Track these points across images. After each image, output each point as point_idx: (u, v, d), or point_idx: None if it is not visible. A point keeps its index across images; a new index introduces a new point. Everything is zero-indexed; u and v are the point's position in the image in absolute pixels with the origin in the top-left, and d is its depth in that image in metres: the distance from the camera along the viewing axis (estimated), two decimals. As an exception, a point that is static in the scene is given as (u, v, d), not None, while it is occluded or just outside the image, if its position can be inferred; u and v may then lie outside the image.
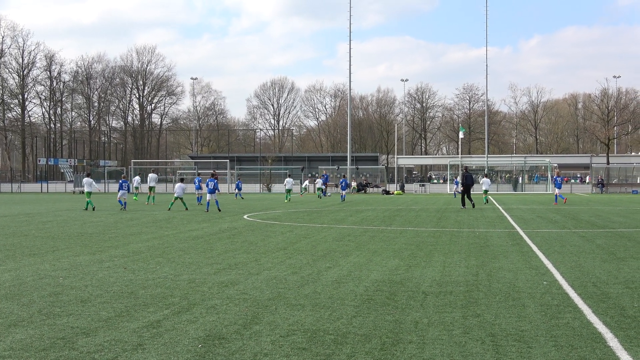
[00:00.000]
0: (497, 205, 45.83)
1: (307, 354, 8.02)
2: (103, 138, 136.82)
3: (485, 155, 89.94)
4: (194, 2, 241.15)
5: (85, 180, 41.24)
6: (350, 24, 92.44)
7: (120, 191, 40.27)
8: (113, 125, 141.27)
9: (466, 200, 41.38)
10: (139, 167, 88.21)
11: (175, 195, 39.15)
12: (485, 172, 76.65)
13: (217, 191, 38.13)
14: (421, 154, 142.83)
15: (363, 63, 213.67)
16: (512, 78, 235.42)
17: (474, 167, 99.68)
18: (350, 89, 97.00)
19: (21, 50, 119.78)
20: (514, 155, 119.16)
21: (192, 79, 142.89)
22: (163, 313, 10.21)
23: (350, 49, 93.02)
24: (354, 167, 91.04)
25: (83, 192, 74.54)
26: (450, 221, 30.23)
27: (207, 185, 38.01)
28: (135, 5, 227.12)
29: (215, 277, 13.63)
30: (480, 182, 58.03)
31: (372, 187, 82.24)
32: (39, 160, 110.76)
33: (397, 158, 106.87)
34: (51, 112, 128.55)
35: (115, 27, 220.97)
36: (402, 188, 77.41)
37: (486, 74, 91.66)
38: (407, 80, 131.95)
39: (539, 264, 15.58)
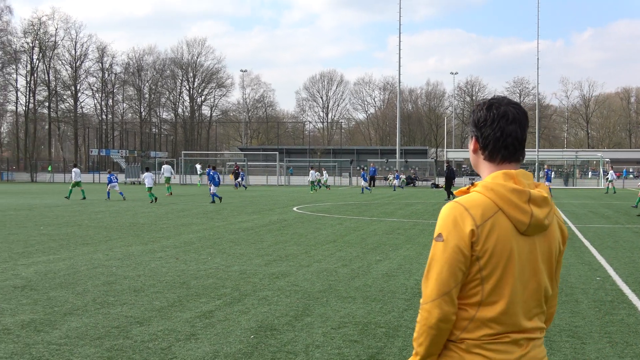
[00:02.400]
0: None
1: (359, 346, 8.03)
2: (154, 129, 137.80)
3: (536, 150, 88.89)
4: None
5: (75, 170, 42.77)
6: (400, 16, 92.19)
7: (110, 184, 41.56)
8: (163, 116, 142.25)
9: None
10: (189, 158, 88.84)
11: (147, 186, 39.71)
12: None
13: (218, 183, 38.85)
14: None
15: (413, 56, 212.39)
16: (563, 71, 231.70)
17: (524, 162, 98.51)
18: (399, 82, 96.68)
19: (74, 42, 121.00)
20: (565, 149, 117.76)
21: (241, 71, 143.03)
22: (215, 304, 10.29)
23: (399, 41, 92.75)
24: (403, 160, 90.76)
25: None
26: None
27: (209, 177, 38.83)
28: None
29: (266, 269, 13.70)
30: None
31: (421, 181, 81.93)
32: (91, 151, 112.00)
33: (447, 151, 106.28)
34: (103, 103, 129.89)
35: (167, 19, 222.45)
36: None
37: (537, 68, 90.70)
38: (456, 73, 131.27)
39: (591, 260, 15.40)
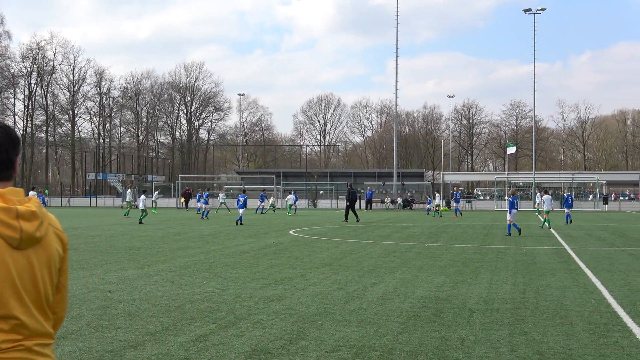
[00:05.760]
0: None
1: (353, 369, 8.01)
2: (151, 153, 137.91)
3: (533, 172, 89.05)
4: (246, 19, 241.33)
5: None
6: (397, 40, 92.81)
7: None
8: (161, 140, 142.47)
9: (350, 214, 44.16)
10: (186, 182, 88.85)
11: (140, 207, 43.43)
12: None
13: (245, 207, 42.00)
14: (467, 170, 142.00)
15: (412, 79, 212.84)
16: (561, 94, 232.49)
17: (520, 184, 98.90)
18: (396, 105, 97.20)
19: (72, 67, 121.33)
20: (562, 172, 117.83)
21: (239, 94, 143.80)
22: (210, 327, 10.28)
23: (396, 65, 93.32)
24: (400, 183, 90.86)
25: (137, 207, 76.17)
26: (497, 238, 30.01)
27: (238, 201, 41.54)
28: (189, 21, 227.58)
29: (262, 292, 13.69)
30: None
31: (418, 204, 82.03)
32: (88, 175, 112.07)
33: (443, 174, 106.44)
34: (100, 127, 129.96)
35: (168, 43, 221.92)
36: (447, 204, 76.97)
37: (533, 90, 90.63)
38: (453, 96, 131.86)
39: (587, 282, 15.41)
